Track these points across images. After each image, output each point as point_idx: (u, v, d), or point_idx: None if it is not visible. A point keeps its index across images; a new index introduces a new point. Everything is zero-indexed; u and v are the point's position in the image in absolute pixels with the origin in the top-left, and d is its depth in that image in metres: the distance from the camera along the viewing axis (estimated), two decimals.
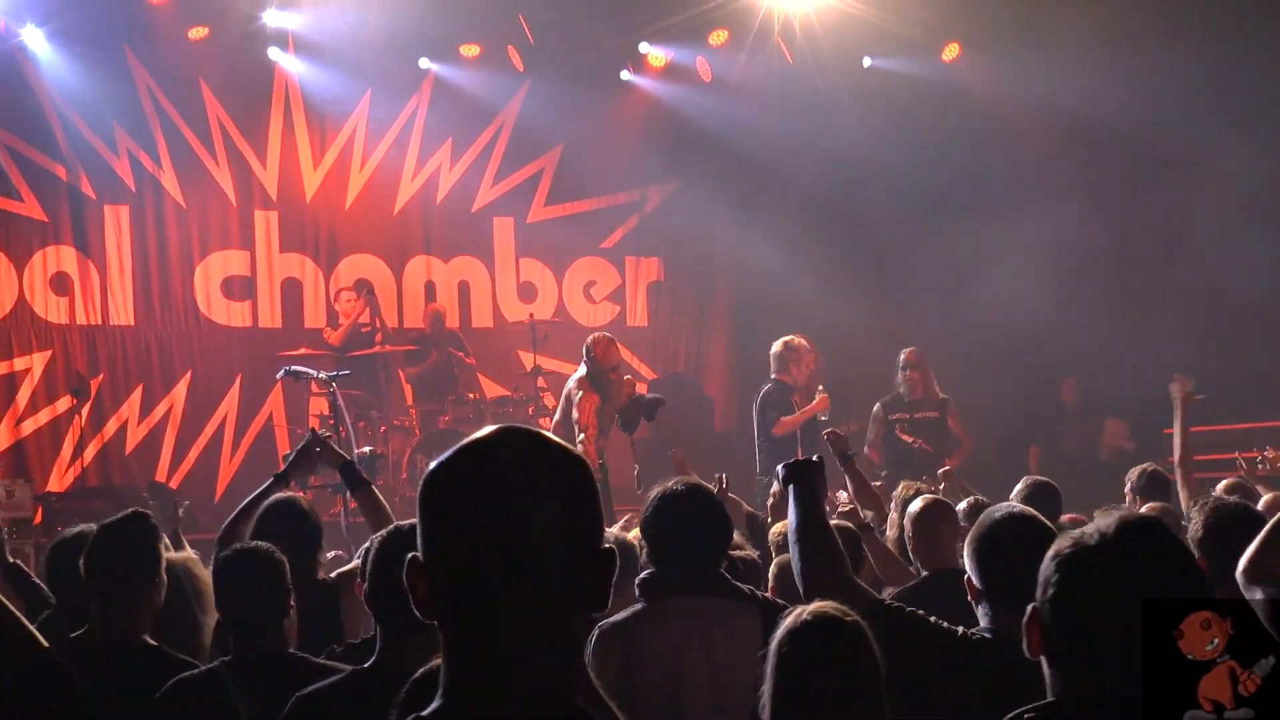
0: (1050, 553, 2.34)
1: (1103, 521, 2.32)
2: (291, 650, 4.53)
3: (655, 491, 4.76)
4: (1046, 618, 2.31)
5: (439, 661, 1.98)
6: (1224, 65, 14.69)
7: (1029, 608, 2.34)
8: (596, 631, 4.51)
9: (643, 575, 4.68)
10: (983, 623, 3.87)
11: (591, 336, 12.40)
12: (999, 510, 4.07)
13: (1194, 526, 4.87)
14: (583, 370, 12.22)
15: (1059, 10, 14.98)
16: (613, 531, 6.49)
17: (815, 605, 3.49)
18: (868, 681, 3.39)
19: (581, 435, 11.64)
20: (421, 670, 3.02)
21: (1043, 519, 4.09)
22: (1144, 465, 8.28)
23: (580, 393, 12.08)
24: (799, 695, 3.35)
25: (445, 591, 1.94)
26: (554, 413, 12.94)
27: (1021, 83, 15.70)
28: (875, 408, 13.09)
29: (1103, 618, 2.26)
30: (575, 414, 11.97)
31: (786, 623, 3.46)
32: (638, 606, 4.62)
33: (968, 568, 3.95)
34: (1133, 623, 2.21)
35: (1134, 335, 14.93)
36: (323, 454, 6.41)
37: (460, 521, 1.93)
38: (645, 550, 4.80)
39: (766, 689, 3.40)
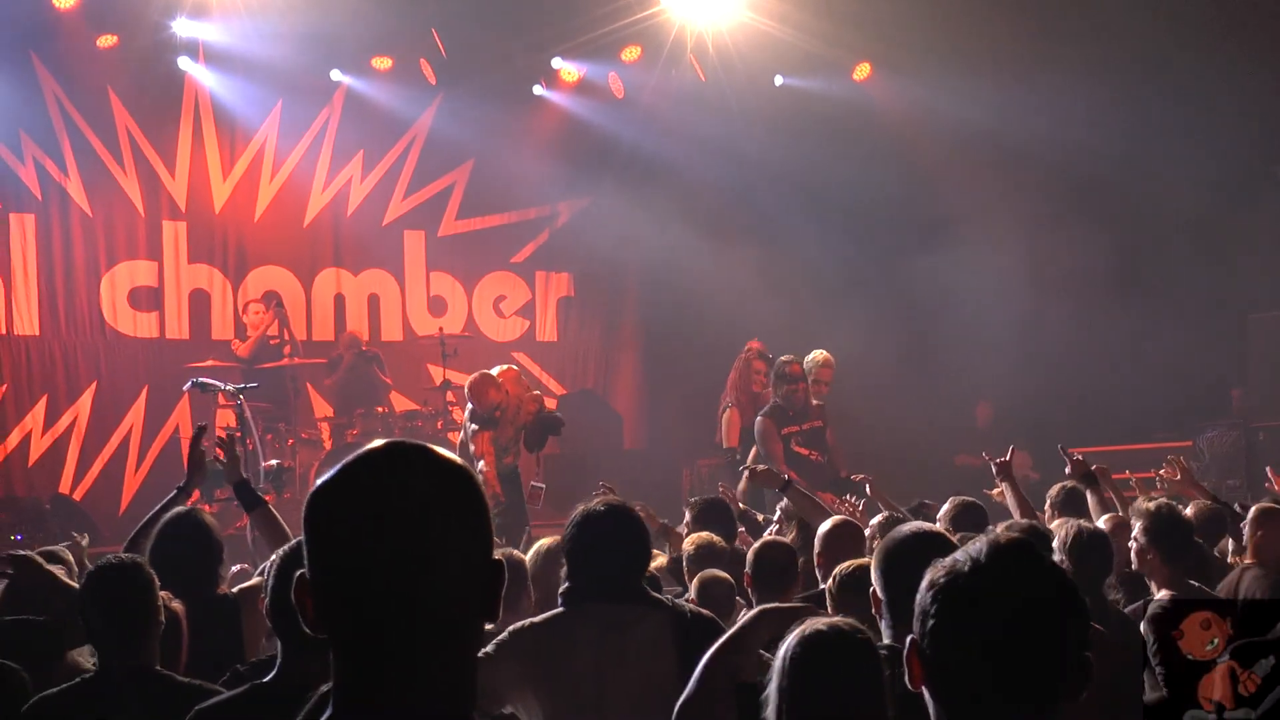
0: (925, 583, 2.29)
1: (973, 546, 2.27)
2: (158, 667, 4.46)
3: (577, 510, 4.87)
4: (928, 649, 2.27)
5: None
6: (1147, 90, 14.85)
7: (909, 639, 2.29)
8: (511, 631, 4.61)
9: (563, 587, 4.78)
10: (885, 635, 3.95)
11: (468, 380, 12.32)
12: (907, 527, 4.17)
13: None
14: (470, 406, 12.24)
15: (971, 34, 15.04)
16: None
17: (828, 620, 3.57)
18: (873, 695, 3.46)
19: (480, 463, 11.59)
20: (325, 686, 3.00)
21: (948, 536, 4.19)
22: (1064, 483, 8.39)
23: (472, 426, 12.12)
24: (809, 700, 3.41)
25: (337, 609, 1.93)
26: (462, 428, 12.93)
27: (935, 103, 15.81)
28: (762, 423, 12.48)
29: (986, 644, 2.21)
30: (471, 446, 11.96)
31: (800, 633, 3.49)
32: (558, 610, 4.73)
33: (873, 580, 4.03)
34: (1015, 646, 2.20)
35: (1057, 359, 15.10)
36: (223, 467, 6.40)
37: (351, 539, 1.90)
38: (565, 567, 4.90)
39: (773, 691, 3.44)
